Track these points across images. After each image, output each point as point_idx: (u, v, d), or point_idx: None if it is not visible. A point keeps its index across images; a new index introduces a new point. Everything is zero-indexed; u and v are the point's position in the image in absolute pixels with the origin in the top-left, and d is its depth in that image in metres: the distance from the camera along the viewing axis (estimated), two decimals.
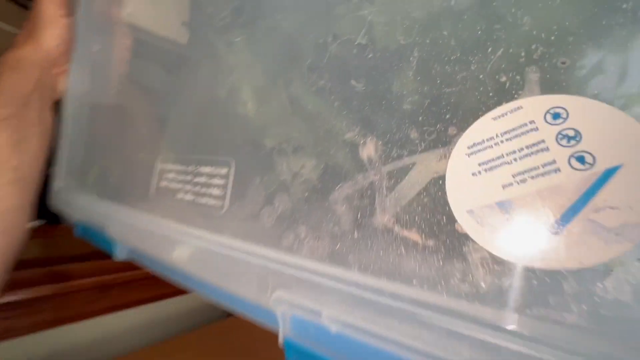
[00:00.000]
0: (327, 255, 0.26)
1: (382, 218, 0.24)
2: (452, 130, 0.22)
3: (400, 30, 0.25)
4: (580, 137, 0.18)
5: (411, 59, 0.25)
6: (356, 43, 0.28)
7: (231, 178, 0.36)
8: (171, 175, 0.44)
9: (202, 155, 0.40)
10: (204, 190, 0.38)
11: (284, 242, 0.29)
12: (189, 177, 0.41)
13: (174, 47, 0.54)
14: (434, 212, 0.22)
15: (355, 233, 0.26)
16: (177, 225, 0.39)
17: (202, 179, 0.39)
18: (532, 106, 0.19)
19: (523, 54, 0.20)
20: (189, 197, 0.40)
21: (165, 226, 0.39)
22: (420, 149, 0.23)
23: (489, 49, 0.21)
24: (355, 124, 0.27)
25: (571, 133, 0.18)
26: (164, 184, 0.45)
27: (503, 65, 0.21)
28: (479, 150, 0.21)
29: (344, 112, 0.28)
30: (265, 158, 0.33)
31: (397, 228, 0.24)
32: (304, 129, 0.31)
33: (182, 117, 0.45)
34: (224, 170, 0.37)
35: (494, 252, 0.20)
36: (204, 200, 0.38)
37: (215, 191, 0.37)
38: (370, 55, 0.27)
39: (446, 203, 0.22)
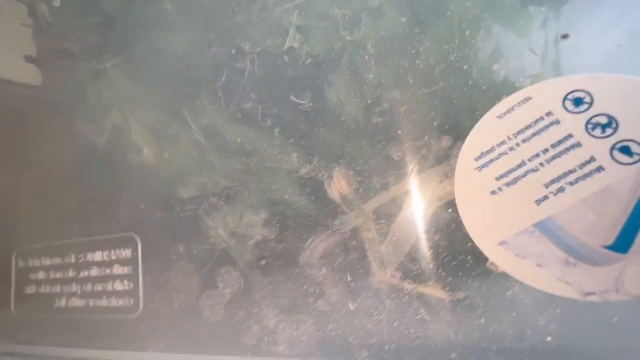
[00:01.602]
0: (317, 348, 0.18)
1: (383, 275, 0.18)
2: (446, 141, 0.17)
3: (343, 22, 0.20)
4: (617, 123, 0.15)
5: (366, 57, 0.19)
6: (285, 48, 0.21)
7: (139, 261, 0.25)
8: (40, 276, 0.30)
9: (86, 237, 0.28)
10: (99, 287, 0.26)
11: (245, 340, 0.21)
12: (70, 274, 0.28)
13: (24, 90, 0.39)
14: (452, 252, 0.17)
15: (350, 304, 0.19)
16: (64, 350, 0.26)
17: (94, 272, 0.27)
18: (543, 94, 0.16)
19: (512, 32, 0.17)
20: (76, 302, 0.27)
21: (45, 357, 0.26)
22: (410, 172, 0.18)
23: (466, 31, 0.17)
24: (310, 152, 0.20)
25: (603, 120, 0.15)
26: (30, 289, 0.30)
27: (490, 50, 0.17)
28: (492, 161, 0.16)
29: (290, 140, 0.21)
30: (185, 221, 0.24)
31: (407, 284, 0.18)
32: (236, 170, 0.23)
33: (43, 185, 0.32)
34: (125, 252, 0.26)
35: (551, 290, 0.15)
36: (102, 302, 0.26)
37: (119, 285, 0.26)
38: (309, 61, 0.21)
39: (466, 237, 0.17)
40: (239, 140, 0.22)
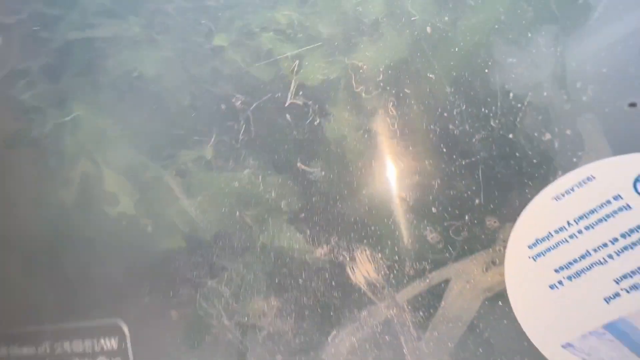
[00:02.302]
0: None
1: None
2: (491, 222, 0.15)
3: (357, 75, 0.17)
4: None
5: (389, 120, 0.16)
6: (287, 105, 0.18)
7: (130, 354, 0.22)
8: None
9: (62, 323, 0.24)
10: None
11: None
12: None
13: None
14: (506, 352, 0.15)
15: None
16: None
17: None
18: (609, 174, 0.14)
19: (565, 96, 0.14)
20: None
21: None
22: (450, 257, 0.16)
23: (510, 93, 0.15)
24: (327, 230, 0.18)
25: None
26: None
27: (540, 117, 0.14)
28: (549, 249, 0.14)
29: (301, 215, 0.18)
30: (181, 307, 0.21)
31: None
32: (235, 249, 0.19)
33: (4, 261, 0.27)
34: (111, 342, 0.23)
35: None
36: None
37: None
38: (317, 121, 0.18)
39: (522, 335, 0.15)
40: (237, 214, 0.19)
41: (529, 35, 0.15)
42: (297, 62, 0.18)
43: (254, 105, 0.19)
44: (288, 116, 0.18)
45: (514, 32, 0.15)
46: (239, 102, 0.19)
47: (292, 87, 0.18)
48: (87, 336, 0.22)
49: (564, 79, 0.14)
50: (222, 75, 0.19)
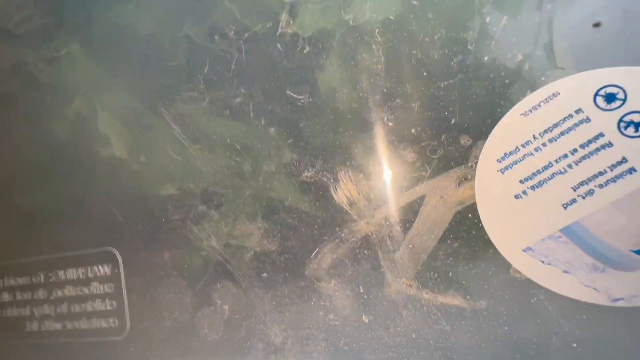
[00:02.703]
0: None
1: (399, 285, 0.17)
2: (465, 140, 0.16)
3: (345, 3, 0.17)
4: None
5: (374, 45, 0.17)
6: (278, 34, 0.19)
7: (122, 278, 0.23)
8: (5, 298, 0.27)
9: (56, 253, 0.25)
10: (77, 308, 0.24)
11: (250, 359, 0.19)
12: (41, 294, 0.25)
13: None
14: (474, 260, 0.16)
15: (364, 317, 0.18)
16: None
17: (69, 291, 0.24)
18: (572, 89, 0.15)
19: (537, 18, 0.15)
20: (52, 325, 0.25)
21: None
22: (426, 175, 0.17)
23: (487, 17, 0.16)
24: (312, 154, 0.19)
25: (637, 118, 0.14)
26: None
27: (513, 39, 0.15)
28: (516, 162, 0.15)
29: (289, 140, 0.19)
30: (171, 232, 0.22)
31: (426, 294, 0.17)
32: (226, 174, 0.20)
33: None
34: (104, 269, 0.24)
35: (578, 296, 0.15)
36: (82, 324, 0.24)
37: (100, 305, 0.23)
38: (306, 50, 0.18)
39: (488, 244, 0.16)
40: (228, 142, 0.20)
41: None
42: None
43: (246, 35, 0.19)
44: (279, 45, 0.19)
45: None
46: (232, 32, 0.20)
47: (282, 16, 0.18)
48: (80, 264, 0.23)
49: (539, 2, 0.15)
50: (218, 5, 0.20)
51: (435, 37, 0.16)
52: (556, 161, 0.15)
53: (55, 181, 0.26)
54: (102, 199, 0.24)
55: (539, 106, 0.15)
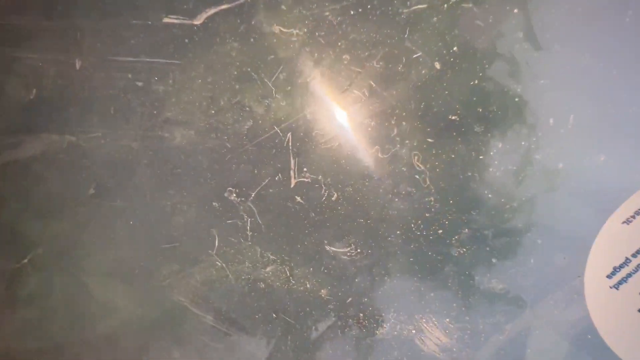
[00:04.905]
0: None
1: None
2: (560, 259, 0.14)
3: None
4: None
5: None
6: (293, 186, 0.15)
7: None
8: None
9: None
10: None
11: None
12: None
13: None
14: None
15: None
16: None
17: None
18: None
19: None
20: None
21: None
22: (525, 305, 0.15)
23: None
24: (379, 314, 0.16)
25: None
26: None
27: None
28: (630, 275, 0.14)
29: (348, 300, 0.16)
30: None
31: None
32: None
33: None
34: None
35: None
36: None
37: None
38: (334, 196, 0.15)
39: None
40: (274, 316, 0.17)
41: None
42: (289, 134, 0.15)
43: (253, 194, 0.16)
44: (297, 198, 0.16)
45: None
46: (233, 195, 0.16)
47: (292, 164, 0.15)
48: None
49: None
50: (203, 168, 0.16)
51: None
52: None
53: None
54: None
55: None
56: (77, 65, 0.16)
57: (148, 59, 0.16)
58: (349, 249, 0.16)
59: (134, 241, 0.18)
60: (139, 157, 0.17)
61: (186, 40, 0.15)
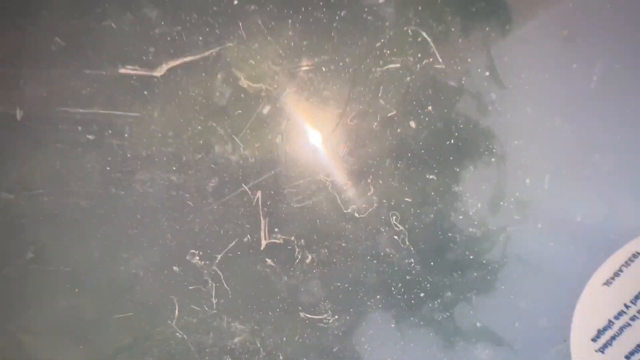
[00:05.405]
0: None
1: None
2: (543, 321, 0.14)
3: None
4: None
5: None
6: (263, 248, 0.14)
7: None
8: None
9: None
10: None
11: None
12: None
13: None
14: None
15: None
16: None
17: None
18: None
19: None
20: None
21: None
22: None
23: None
24: None
25: None
26: None
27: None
28: (614, 338, 0.13)
29: None
30: None
31: None
32: None
33: None
34: None
35: None
36: None
37: None
38: (309, 259, 0.14)
39: None
40: None
41: None
42: (259, 193, 0.14)
43: (219, 257, 0.15)
44: (268, 260, 0.14)
45: None
46: (196, 258, 0.15)
47: (262, 225, 0.14)
48: None
49: None
50: (162, 229, 0.15)
51: None
52: None
53: None
54: None
55: (621, 271, 0.13)
56: (18, 116, 0.15)
57: (102, 111, 0.14)
58: (325, 315, 0.15)
59: (79, 311, 0.16)
60: (88, 217, 0.15)
61: (145, 92, 0.14)
